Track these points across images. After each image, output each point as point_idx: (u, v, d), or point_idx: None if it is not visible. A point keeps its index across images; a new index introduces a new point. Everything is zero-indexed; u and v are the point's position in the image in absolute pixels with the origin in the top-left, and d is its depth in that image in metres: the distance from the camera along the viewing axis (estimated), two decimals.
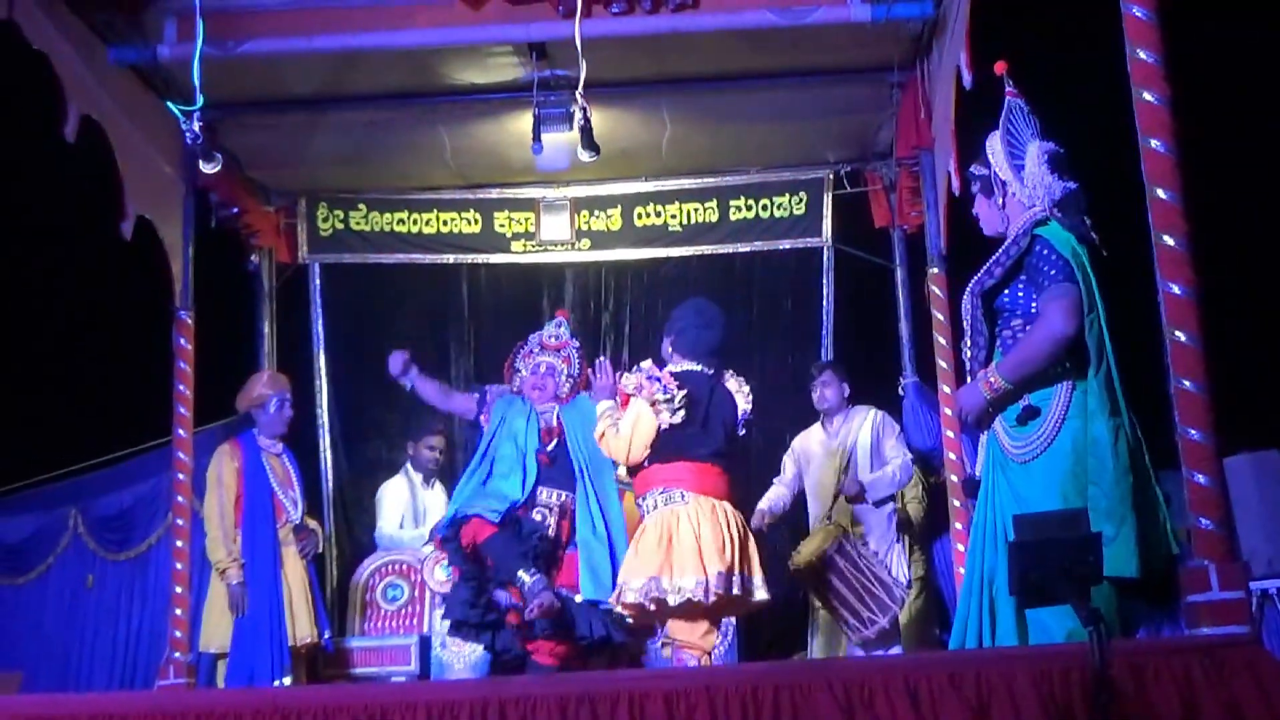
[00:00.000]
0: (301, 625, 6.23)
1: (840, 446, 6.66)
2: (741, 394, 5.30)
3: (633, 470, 5.25)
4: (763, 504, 6.72)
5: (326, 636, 6.42)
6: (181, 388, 6.61)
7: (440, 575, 6.55)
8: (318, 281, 8.14)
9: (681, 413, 5.11)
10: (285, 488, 6.40)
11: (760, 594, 5.03)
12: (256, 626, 6.07)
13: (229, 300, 7.76)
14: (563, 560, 5.57)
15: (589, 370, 5.65)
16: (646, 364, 5.21)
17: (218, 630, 6.16)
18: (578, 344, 6.01)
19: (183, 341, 6.67)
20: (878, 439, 6.62)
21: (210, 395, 6.85)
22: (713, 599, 4.90)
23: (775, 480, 6.87)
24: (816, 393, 6.77)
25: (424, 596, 6.95)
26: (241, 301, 7.95)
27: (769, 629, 7.39)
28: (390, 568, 7.12)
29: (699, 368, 5.31)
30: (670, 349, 5.30)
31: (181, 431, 6.57)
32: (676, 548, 4.96)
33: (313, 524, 6.57)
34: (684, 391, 5.14)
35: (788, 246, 7.97)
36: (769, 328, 8.20)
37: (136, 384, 7.60)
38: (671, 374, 5.21)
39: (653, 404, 5.10)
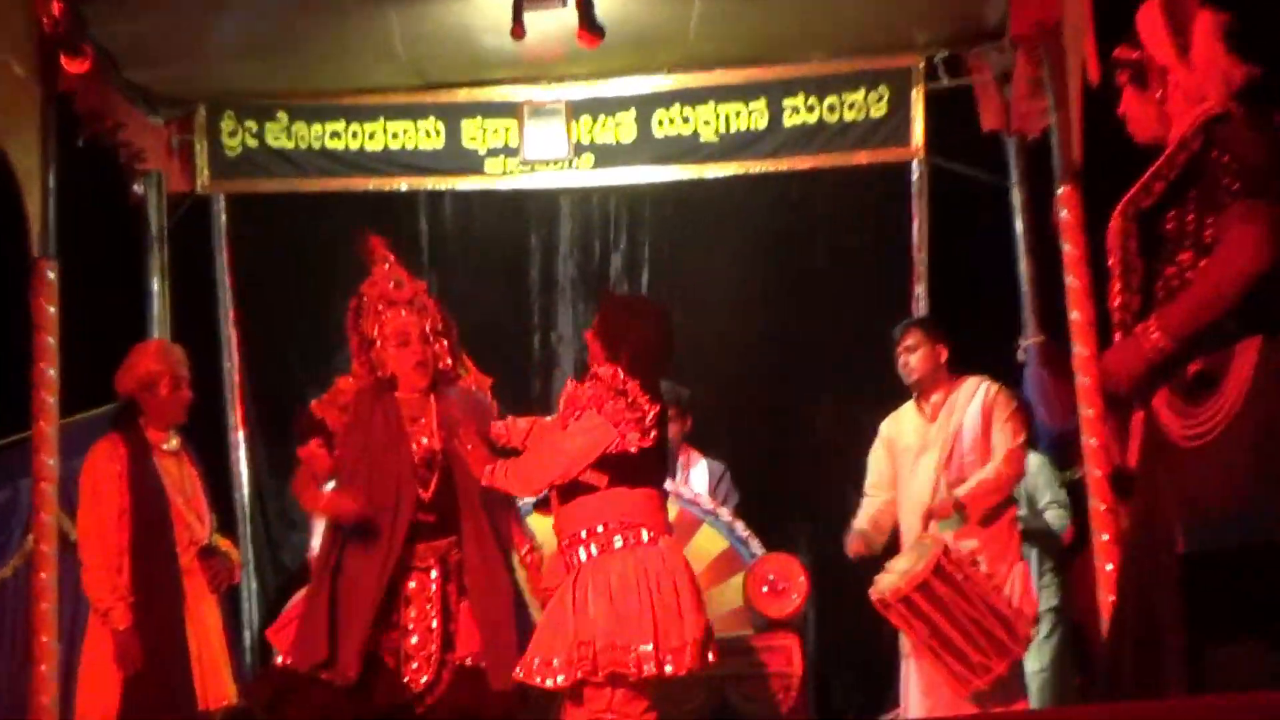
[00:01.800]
0: (216, 684, 6.25)
1: (942, 434, 6.62)
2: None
3: (544, 500, 5.48)
4: (861, 522, 6.71)
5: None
6: (42, 365, 6.62)
7: None
8: (223, 219, 8.20)
9: (653, 435, 5.29)
10: (186, 496, 6.40)
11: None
12: (154, 688, 6.09)
13: (105, 246, 7.78)
14: (458, 621, 5.62)
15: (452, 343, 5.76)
16: (605, 371, 5.33)
17: (100, 694, 6.19)
18: (425, 284, 5.97)
19: (44, 304, 6.67)
20: (988, 422, 6.59)
21: (83, 374, 6.87)
22: (687, 670, 5.17)
23: (867, 487, 6.83)
24: (900, 359, 6.75)
25: None
26: (122, 247, 7.98)
27: (847, 682, 7.45)
28: None
29: (665, 383, 5.58)
30: (622, 373, 5.32)
31: (43, 424, 6.59)
32: (658, 604, 5.18)
33: (225, 546, 6.58)
34: (656, 409, 5.31)
35: (864, 161, 7.97)
36: (838, 273, 8.23)
37: None
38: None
39: (617, 424, 5.25)
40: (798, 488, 8.21)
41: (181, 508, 6.32)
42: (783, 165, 8.02)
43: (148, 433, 6.34)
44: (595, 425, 5.26)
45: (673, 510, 6.83)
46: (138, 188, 7.96)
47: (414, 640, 5.52)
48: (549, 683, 5.21)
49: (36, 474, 6.55)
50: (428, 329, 5.73)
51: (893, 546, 6.72)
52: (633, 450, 5.25)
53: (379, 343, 5.72)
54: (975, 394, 6.64)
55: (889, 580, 6.17)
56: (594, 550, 5.26)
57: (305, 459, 5.70)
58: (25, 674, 6.64)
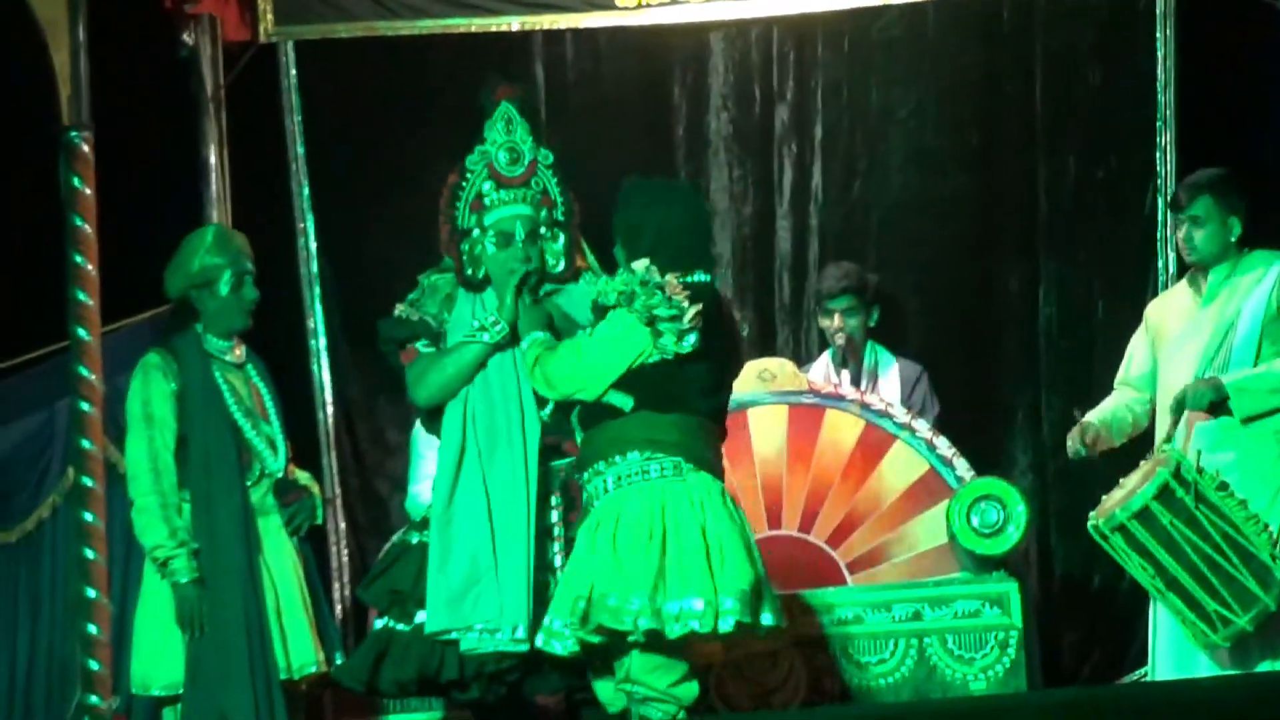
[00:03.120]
0: (299, 647, 6.32)
1: (1215, 319, 6.51)
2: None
3: (572, 415, 5.50)
4: (1091, 414, 6.66)
5: (339, 664, 6.54)
6: (79, 260, 6.71)
7: None
8: (293, 73, 8.21)
9: (691, 339, 5.29)
10: (256, 419, 6.44)
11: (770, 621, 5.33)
12: (225, 652, 6.18)
13: (149, 112, 7.83)
14: None
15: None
16: (640, 265, 5.34)
17: (161, 659, 6.29)
18: (551, 158, 5.90)
19: (77, 182, 6.75)
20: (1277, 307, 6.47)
21: (127, 269, 6.95)
22: (726, 630, 5.21)
23: (1117, 381, 6.75)
24: (1182, 230, 6.61)
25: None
26: (170, 111, 8.04)
27: (1079, 636, 7.40)
28: None
29: (706, 278, 5.50)
30: (645, 265, 5.36)
31: (84, 332, 6.68)
32: (673, 550, 5.24)
33: (304, 479, 6.64)
34: (697, 307, 5.29)
35: None
36: (1062, 122, 8.11)
37: (3, 256, 7.75)
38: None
39: (649, 322, 5.29)
40: (1013, 394, 8.14)
41: (250, 433, 6.36)
42: None
43: (205, 343, 6.38)
44: (625, 325, 5.28)
45: (857, 426, 6.85)
46: (187, 38, 7.98)
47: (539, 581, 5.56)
48: (556, 648, 5.32)
49: (76, 393, 6.64)
50: (541, 216, 5.71)
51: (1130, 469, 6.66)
52: (669, 359, 5.26)
53: (475, 233, 5.72)
54: (1267, 274, 6.51)
55: (1109, 503, 6.13)
56: (609, 485, 5.32)
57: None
58: (73, 633, 6.78)
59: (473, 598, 5.53)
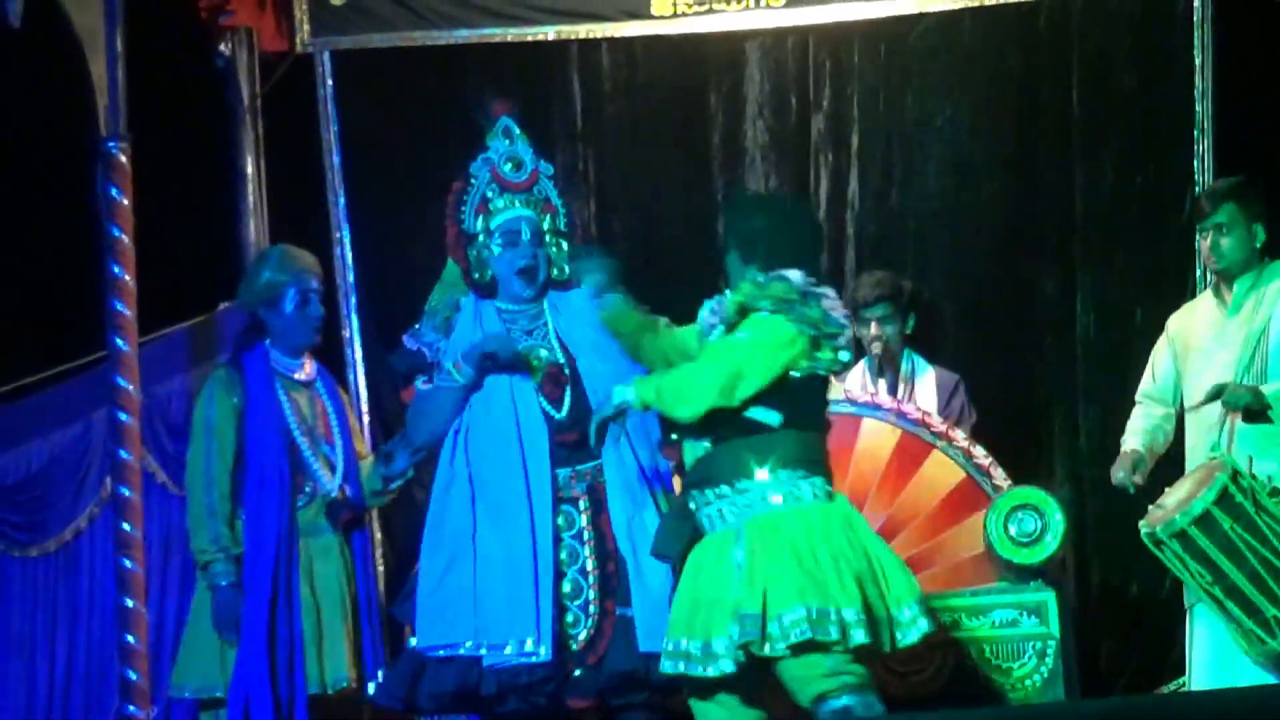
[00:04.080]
0: (334, 663, 6.37)
1: (1244, 330, 6.51)
2: None
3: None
4: (1132, 441, 6.68)
5: (378, 682, 6.58)
6: (117, 270, 6.74)
7: None
8: (330, 83, 8.23)
9: (846, 356, 5.38)
10: (317, 439, 6.50)
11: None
12: (262, 661, 6.24)
13: (186, 123, 7.86)
14: (615, 572, 5.66)
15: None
16: (796, 275, 5.36)
17: (198, 662, 6.35)
18: (551, 169, 5.93)
19: (115, 193, 6.78)
20: None
21: (165, 279, 6.98)
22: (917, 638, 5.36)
23: (1140, 395, 6.76)
24: (1208, 239, 6.62)
25: None
26: (206, 123, 8.08)
27: (1117, 645, 7.38)
28: None
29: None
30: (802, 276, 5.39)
31: (121, 342, 6.71)
32: (817, 565, 5.25)
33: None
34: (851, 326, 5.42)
35: None
36: (1099, 126, 8.10)
37: (41, 267, 7.79)
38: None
39: (814, 340, 5.29)
40: (1050, 402, 8.13)
41: (306, 455, 6.42)
42: None
43: (273, 360, 6.45)
44: (781, 331, 5.25)
45: (894, 435, 6.84)
46: (224, 48, 8.05)
47: (565, 586, 5.56)
48: (705, 670, 5.24)
49: (114, 403, 6.67)
50: (545, 225, 5.74)
51: (1172, 470, 6.65)
52: (819, 375, 5.26)
53: (480, 237, 5.76)
54: None
55: (1162, 511, 6.13)
56: (755, 502, 5.29)
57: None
58: (111, 642, 6.81)
59: (450, 616, 5.55)
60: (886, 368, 7.41)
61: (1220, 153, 7.81)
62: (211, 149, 8.08)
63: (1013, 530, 6.66)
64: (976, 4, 7.96)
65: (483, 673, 5.56)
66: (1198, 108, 7.87)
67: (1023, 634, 6.62)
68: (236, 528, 6.32)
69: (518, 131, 5.90)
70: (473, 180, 5.85)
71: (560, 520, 5.66)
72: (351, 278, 8.25)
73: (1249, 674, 6.27)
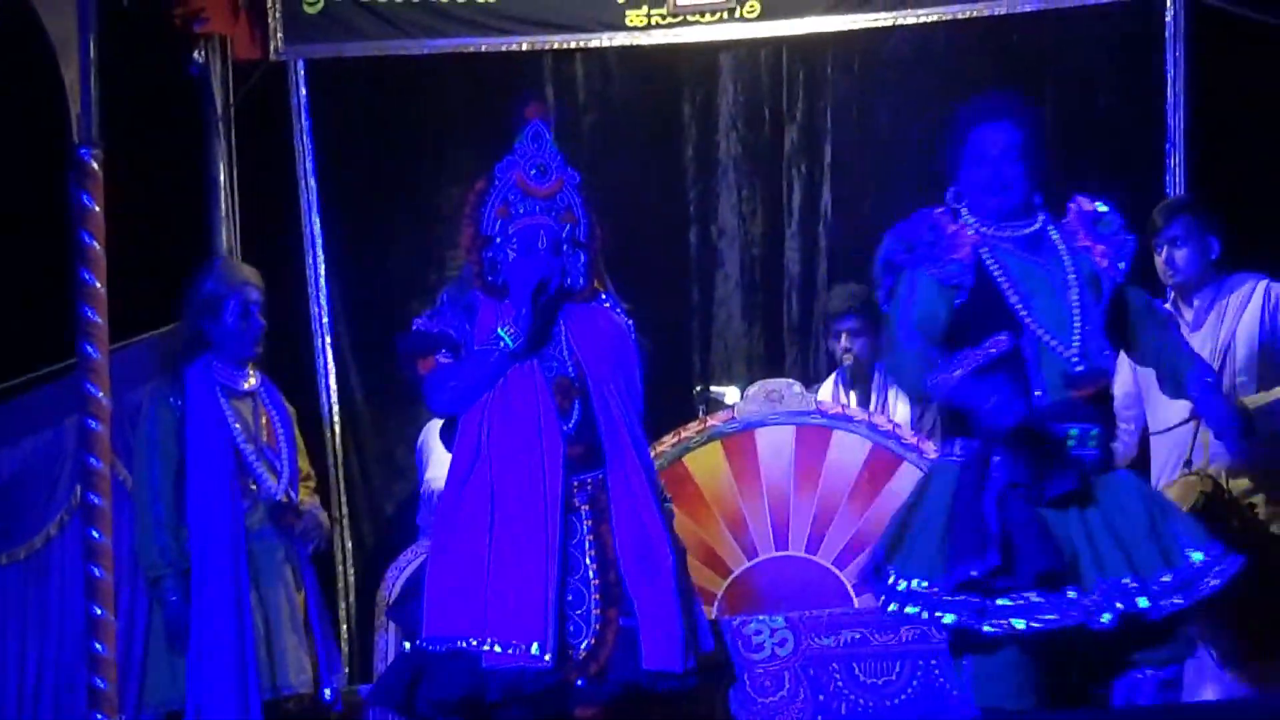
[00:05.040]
0: (285, 668, 6.39)
1: (1208, 345, 6.55)
2: None
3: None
4: None
5: (335, 686, 6.59)
6: (89, 278, 6.73)
7: None
8: (303, 92, 8.24)
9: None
10: (259, 448, 6.53)
11: None
12: (219, 670, 6.26)
13: (159, 130, 7.86)
14: (616, 582, 5.63)
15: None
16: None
17: (166, 677, 6.36)
18: (578, 179, 5.90)
19: (87, 200, 6.77)
20: (1273, 327, 6.50)
21: (136, 287, 6.97)
22: None
23: None
24: (1162, 254, 6.67)
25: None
26: (180, 131, 8.07)
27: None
28: None
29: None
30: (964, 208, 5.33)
31: (92, 350, 6.70)
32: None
33: (310, 504, 6.70)
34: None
35: None
36: (1071, 141, 8.10)
37: (12, 273, 7.78)
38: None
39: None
40: None
41: (250, 461, 6.46)
42: (1001, 7, 7.98)
43: (215, 370, 6.48)
44: None
45: (865, 447, 6.87)
46: (197, 56, 8.03)
47: (568, 596, 5.54)
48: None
49: (84, 411, 6.67)
50: (564, 235, 5.71)
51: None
52: None
53: (497, 240, 5.72)
54: (1253, 296, 6.57)
55: None
56: None
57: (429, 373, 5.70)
58: (81, 652, 6.79)
59: (457, 606, 5.51)
60: (858, 380, 7.43)
61: (1193, 169, 7.84)
62: (184, 157, 8.05)
63: None
64: (950, 18, 7.99)
65: (486, 679, 5.52)
66: (1170, 124, 7.89)
67: None
68: (182, 539, 6.35)
69: (548, 137, 5.86)
70: (496, 181, 5.78)
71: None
72: (324, 286, 8.25)
73: (1221, 689, 6.29)
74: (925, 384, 5.12)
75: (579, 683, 5.48)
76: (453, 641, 5.44)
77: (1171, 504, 5.32)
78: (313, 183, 8.26)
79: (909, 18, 8.01)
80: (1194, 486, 6.14)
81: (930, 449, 6.92)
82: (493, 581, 5.47)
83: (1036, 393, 5.06)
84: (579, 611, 5.49)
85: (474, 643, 5.44)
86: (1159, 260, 6.68)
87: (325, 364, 8.20)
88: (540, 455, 5.52)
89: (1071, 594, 4.92)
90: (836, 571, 6.74)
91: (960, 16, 7.98)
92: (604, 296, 5.79)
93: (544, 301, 5.62)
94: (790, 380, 7.21)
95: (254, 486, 6.47)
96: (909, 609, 5.02)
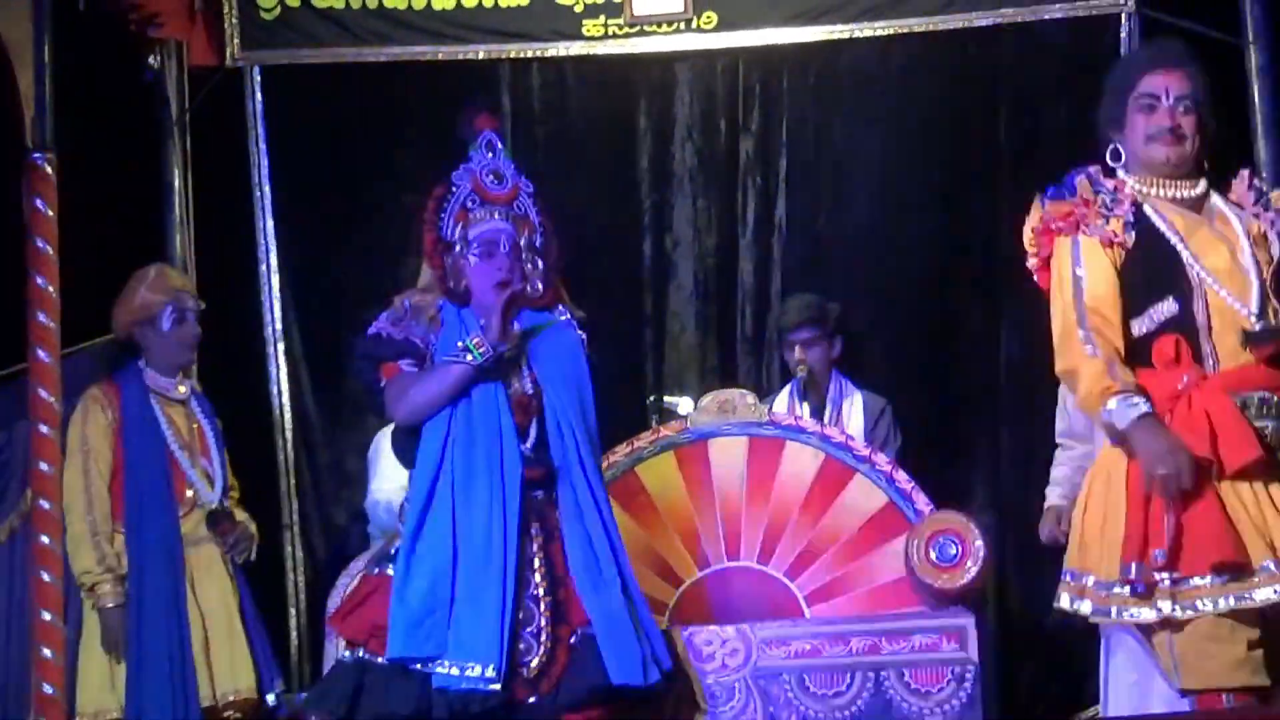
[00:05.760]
0: (224, 675, 6.39)
1: None
2: None
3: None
4: (1053, 495, 6.65)
5: (278, 692, 6.59)
6: (41, 281, 6.70)
7: None
8: (259, 97, 8.23)
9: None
10: (193, 454, 6.54)
11: None
12: (150, 678, 6.25)
13: (113, 134, 7.83)
14: (566, 599, 5.60)
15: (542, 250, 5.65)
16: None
17: (101, 684, 6.35)
18: (532, 188, 5.89)
19: (40, 205, 6.75)
20: None
21: (89, 292, 6.95)
22: None
23: (1060, 434, 6.79)
24: None
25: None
26: (134, 135, 8.05)
27: (1036, 672, 7.42)
28: None
29: None
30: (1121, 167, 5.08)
31: (43, 354, 6.68)
32: None
33: (242, 516, 6.70)
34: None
35: (1059, 15, 7.96)
36: (1026, 159, 8.15)
37: None
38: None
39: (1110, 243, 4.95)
40: (975, 428, 8.19)
41: (185, 466, 6.47)
42: (956, 22, 8.01)
43: (147, 378, 6.49)
44: None
45: (818, 458, 6.87)
46: (153, 61, 8.01)
47: (519, 614, 5.51)
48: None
49: (34, 415, 6.64)
50: (522, 242, 5.69)
51: None
52: None
53: (458, 246, 5.70)
54: None
55: None
56: None
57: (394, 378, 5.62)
58: (27, 656, 6.75)
59: (428, 627, 5.48)
60: (812, 391, 7.43)
61: None
62: (139, 162, 8.03)
63: (934, 555, 6.68)
64: (905, 31, 8.01)
65: (432, 696, 5.49)
66: None
67: (942, 658, 6.64)
68: (118, 545, 6.35)
69: (500, 146, 5.84)
70: (454, 188, 5.74)
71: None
72: (277, 293, 8.23)
73: (1162, 702, 6.31)
74: (1102, 405, 4.81)
75: (530, 700, 5.46)
76: (426, 663, 5.42)
77: None
78: (267, 189, 8.25)
79: (865, 31, 8.04)
80: None
81: (882, 461, 6.95)
82: (455, 603, 5.46)
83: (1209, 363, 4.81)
84: (529, 629, 5.48)
85: (446, 664, 5.42)
86: None
87: (277, 371, 8.18)
88: (501, 476, 5.50)
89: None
90: (788, 583, 6.75)
91: (916, 30, 8.01)
92: (561, 308, 5.77)
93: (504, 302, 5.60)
94: (744, 391, 7.22)
95: (190, 493, 6.48)
96: None
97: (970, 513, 7.02)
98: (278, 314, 8.23)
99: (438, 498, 5.52)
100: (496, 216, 5.63)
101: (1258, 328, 4.79)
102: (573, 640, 5.42)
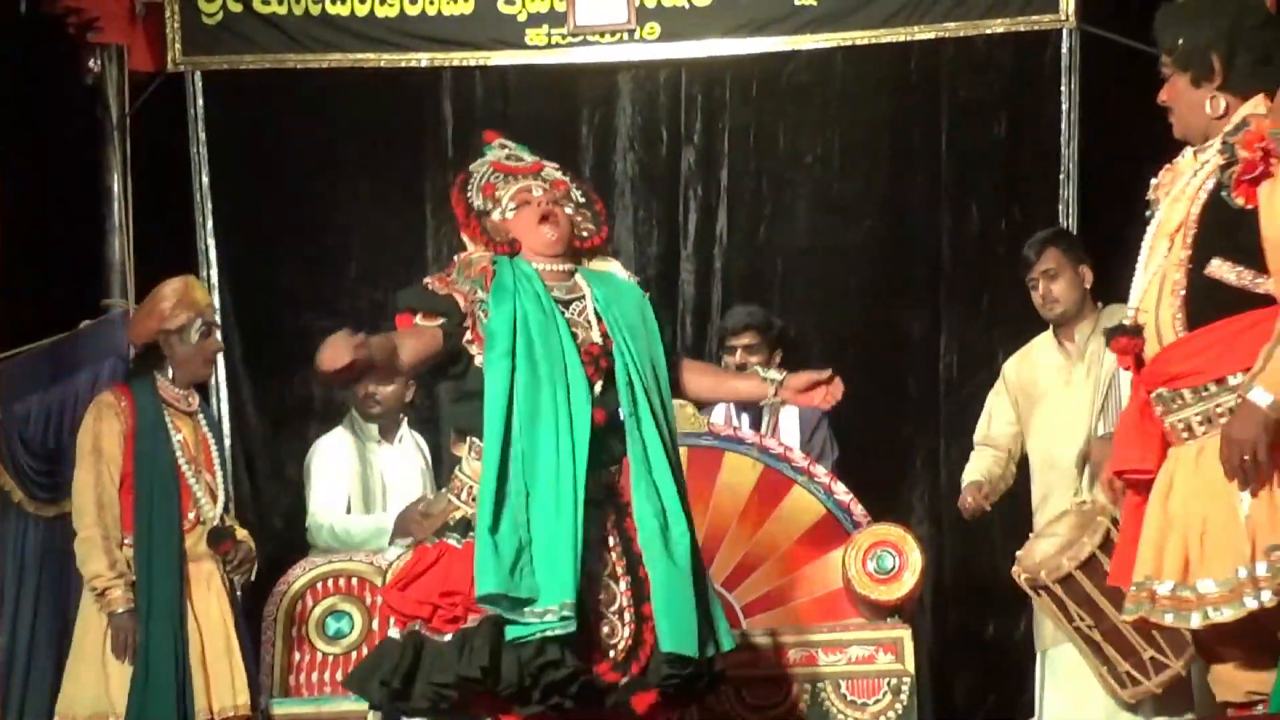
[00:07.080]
0: (220, 690, 6.39)
1: (1092, 377, 6.62)
2: None
3: None
4: (975, 473, 6.81)
5: (265, 707, 6.64)
6: None
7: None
8: (199, 102, 8.21)
9: None
10: (199, 467, 6.54)
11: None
12: (162, 686, 6.25)
13: (53, 138, 7.81)
14: (647, 577, 5.44)
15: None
16: None
17: (95, 687, 6.32)
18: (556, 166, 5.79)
19: None
20: None
21: (26, 295, 6.93)
22: None
23: (979, 439, 6.89)
24: (1039, 289, 6.74)
25: (387, 630, 7.04)
26: (74, 140, 8.01)
27: (972, 683, 7.44)
28: (331, 583, 7.21)
29: None
30: None
31: None
32: None
33: (241, 534, 6.71)
34: None
35: (1000, 30, 7.97)
36: (966, 172, 8.19)
37: None
38: None
39: None
40: (912, 440, 8.23)
41: (190, 481, 6.47)
42: (899, 35, 8.02)
43: (162, 390, 6.48)
44: None
45: (756, 469, 6.87)
46: (93, 64, 7.97)
47: (600, 594, 5.33)
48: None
49: None
50: (560, 196, 5.53)
51: (1026, 512, 6.74)
52: None
53: (492, 209, 5.55)
54: None
55: (1039, 558, 6.12)
56: None
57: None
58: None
59: (521, 570, 5.27)
60: (750, 401, 7.44)
61: (1085, 199, 7.93)
62: (78, 165, 8.00)
63: (871, 567, 6.70)
64: (849, 43, 8.03)
65: (503, 654, 5.11)
66: (1064, 154, 7.99)
67: (879, 670, 6.65)
68: (127, 551, 6.35)
69: (513, 144, 5.76)
70: (472, 173, 5.63)
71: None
72: (217, 299, 8.19)
73: (1097, 717, 6.35)
74: None
75: (622, 681, 5.27)
76: (504, 603, 5.15)
77: None
78: (208, 193, 8.23)
79: (807, 43, 8.06)
80: (1094, 515, 6.14)
81: (821, 472, 6.96)
82: (527, 542, 5.23)
83: None
84: (612, 608, 5.31)
85: (535, 605, 5.17)
86: (1037, 296, 6.75)
87: (217, 376, 8.15)
88: (569, 419, 5.24)
89: None
90: (725, 593, 6.74)
91: (859, 43, 8.02)
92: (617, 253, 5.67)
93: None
94: (682, 401, 7.22)
95: (193, 512, 6.48)
96: None
97: (908, 525, 7.05)
98: (217, 319, 8.19)
99: (512, 445, 5.33)
100: (524, 179, 5.53)
101: None
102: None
